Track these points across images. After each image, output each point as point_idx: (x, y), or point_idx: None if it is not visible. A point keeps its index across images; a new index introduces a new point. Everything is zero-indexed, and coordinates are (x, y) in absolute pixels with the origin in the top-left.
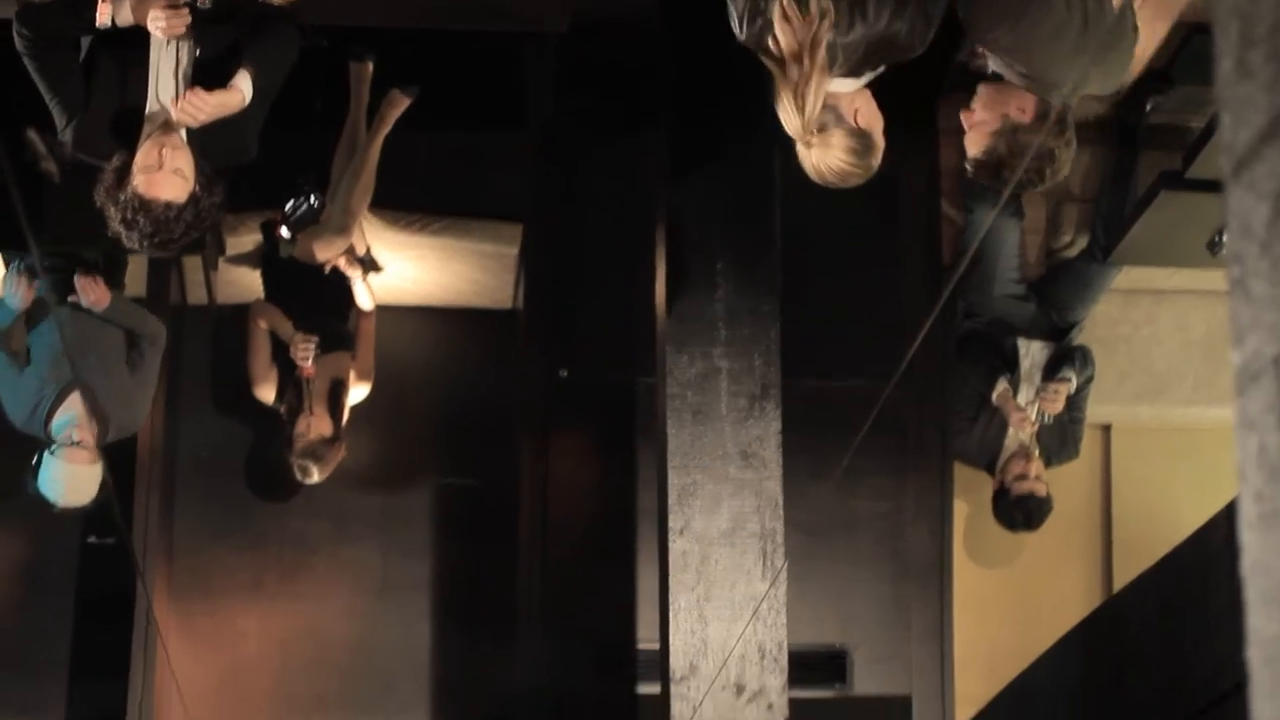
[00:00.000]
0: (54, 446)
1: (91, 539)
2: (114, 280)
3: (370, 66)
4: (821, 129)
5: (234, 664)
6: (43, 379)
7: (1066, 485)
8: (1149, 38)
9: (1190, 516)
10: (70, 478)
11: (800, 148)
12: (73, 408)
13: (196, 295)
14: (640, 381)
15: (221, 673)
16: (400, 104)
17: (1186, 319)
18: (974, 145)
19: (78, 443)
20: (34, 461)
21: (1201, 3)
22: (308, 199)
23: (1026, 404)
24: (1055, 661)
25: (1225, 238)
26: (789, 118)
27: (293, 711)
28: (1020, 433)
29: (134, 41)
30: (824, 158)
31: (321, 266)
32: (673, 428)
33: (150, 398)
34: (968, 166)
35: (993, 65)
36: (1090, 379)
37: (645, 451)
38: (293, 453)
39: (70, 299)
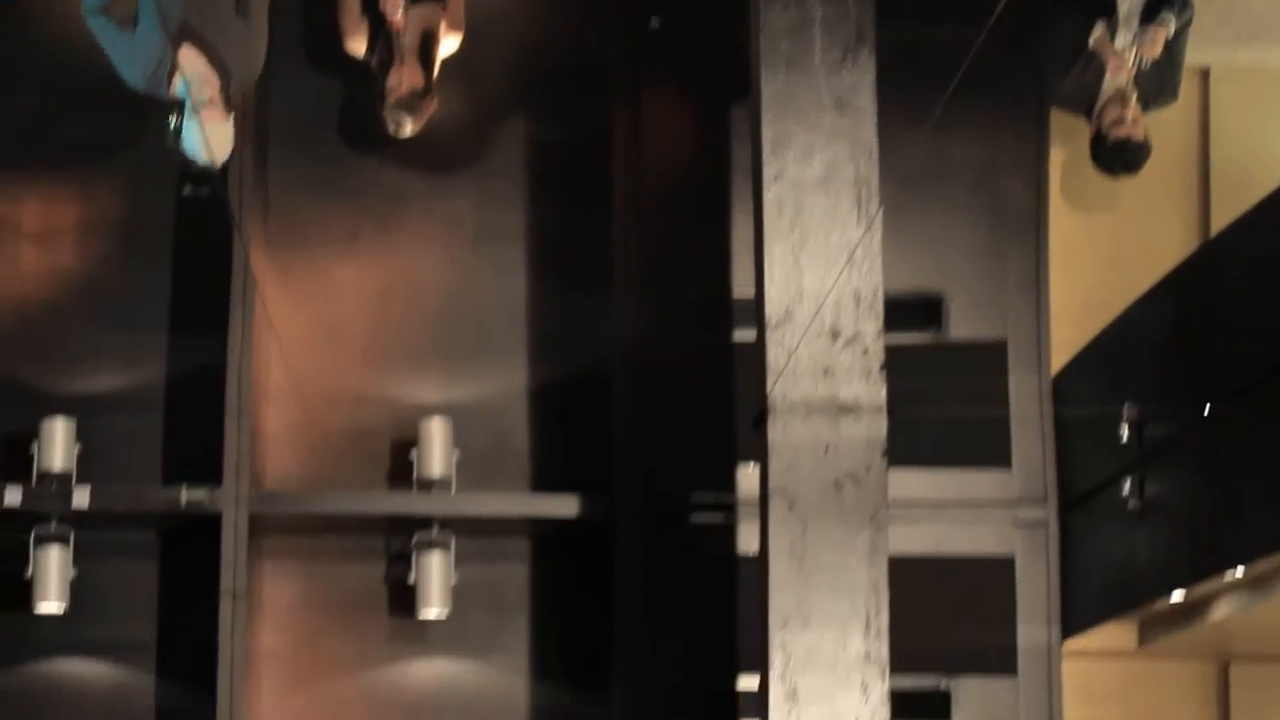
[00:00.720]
0: (192, 106)
1: (187, 190)
2: None
3: None
4: None
5: (331, 314)
6: (159, 40)
7: (1165, 130)
8: None
9: None
10: (213, 136)
11: None
12: (193, 66)
13: None
14: (733, 32)
15: (319, 323)
16: None
17: None
18: None
19: (209, 100)
20: (172, 125)
21: None
22: None
23: (1124, 48)
24: (1150, 307)
25: None
26: None
27: (389, 360)
28: (1117, 77)
29: None
30: None
31: None
32: (766, 77)
33: (264, 45)
34: None
35: None
36: (1189, 22)
37: (739, 103)
38: (385, 106)
39: None
